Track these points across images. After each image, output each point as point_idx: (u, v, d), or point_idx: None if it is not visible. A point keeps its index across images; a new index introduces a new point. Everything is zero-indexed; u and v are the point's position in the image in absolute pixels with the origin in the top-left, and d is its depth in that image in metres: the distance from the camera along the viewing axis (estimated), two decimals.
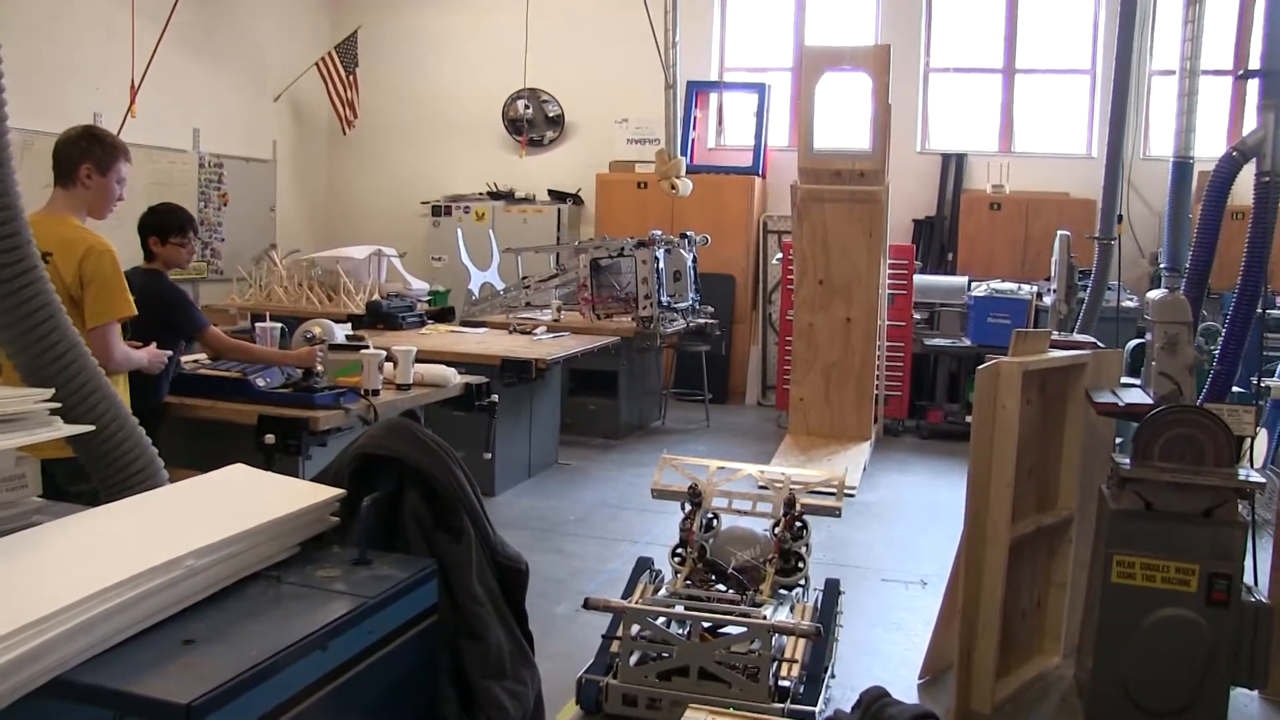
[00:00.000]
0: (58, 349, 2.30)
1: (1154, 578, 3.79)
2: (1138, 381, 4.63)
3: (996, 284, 9.67)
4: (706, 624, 4.01)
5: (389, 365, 5.14)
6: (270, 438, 4.45)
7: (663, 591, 4.37)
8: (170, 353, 4.39)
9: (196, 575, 1.71)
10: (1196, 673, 3.78)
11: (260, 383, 4.77)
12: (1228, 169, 5.00)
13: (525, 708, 2.15)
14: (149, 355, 4.08)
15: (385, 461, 2.16)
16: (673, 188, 9.38)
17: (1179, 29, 6.89)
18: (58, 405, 2.09)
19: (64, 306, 2.40)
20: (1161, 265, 6.78)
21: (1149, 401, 4.15)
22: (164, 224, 4.80)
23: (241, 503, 2.00)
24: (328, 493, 2.09)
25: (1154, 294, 4.41)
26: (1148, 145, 10.45)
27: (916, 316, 9.69)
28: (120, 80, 8.98)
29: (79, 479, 2.82)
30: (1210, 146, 8.30)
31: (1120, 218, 7.00)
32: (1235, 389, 5.12)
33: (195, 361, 5.11)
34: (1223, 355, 4.85)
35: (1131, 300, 8.82)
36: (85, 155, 3.81)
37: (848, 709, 2.80)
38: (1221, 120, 10.24)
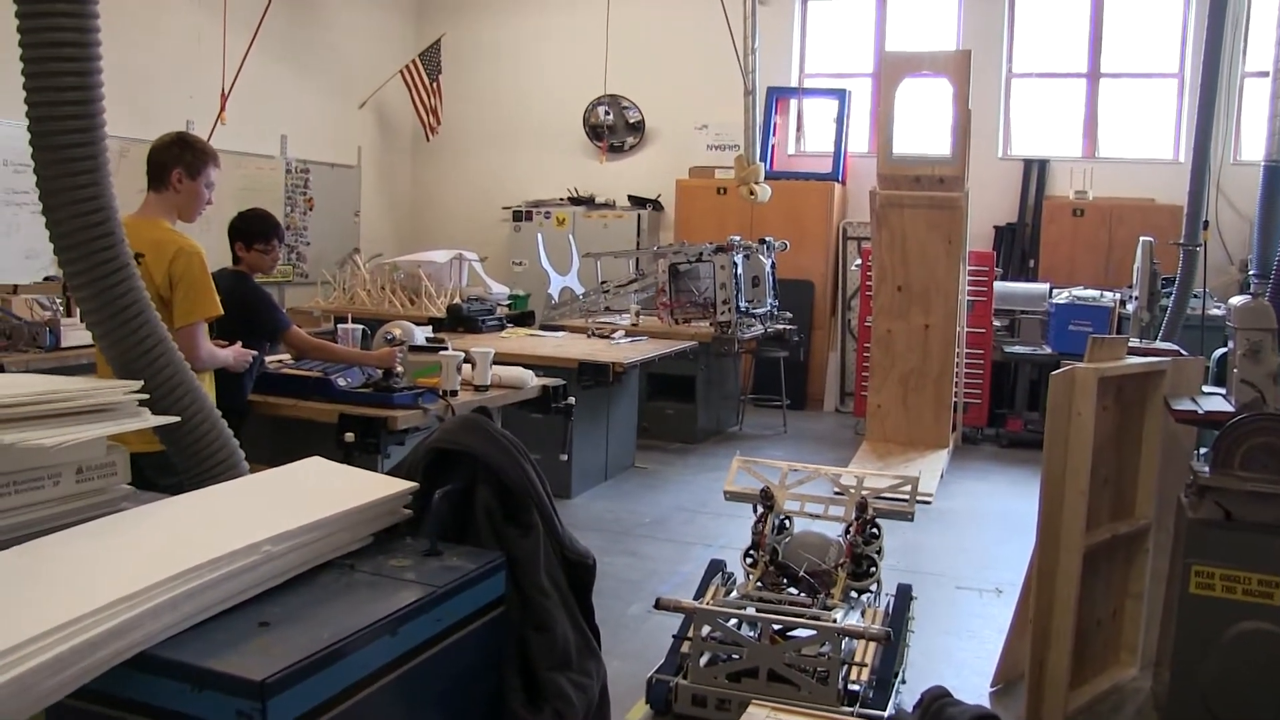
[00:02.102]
0: (146, 344, 2.40)
1: (1234, 589, 3.71)
2: (1221, 390, 4.54)
3: (1079, 291, 9.53)
4: (777, 626, 4.01)
5: (467, 367, 5.22)
6: (350, 436, 4.55)
7: (734, 594, 4.38)
8: (255, 352, 4.51)
9: (273, 561, 1.77)
10: None
11: (341, 382, 4.87)
12: None
13: (590, 699, 2.18)
14: (234, 354, 4.21)
15: (458, 456, 2.21)
16: (751, 194, 9.39)
17: (1273, 30, 6.76)
18: (146, 397, 2.18)
19: (154, 306, 2.50)
20: (1250, 272, 6.66)
21: (1230, 409, 4.07)
22: (250, 230, 4.96)
23: (318, 493, 2.06)
24: (401, 485, 2.14)
25: (1237, 300, 4.32)
26: (1239, 150, 10.21)
27: (997, 324, 9.59)
28: (211, 88, 9.24)
29: (166, 473, 2.92)
30: None
31: (1206, 223, 6.88)
32: None
33: (279, 361, 5.24)
34: None
35: (1218, 308, 8.64)
36: (177, 160, 3.95)
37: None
38: None
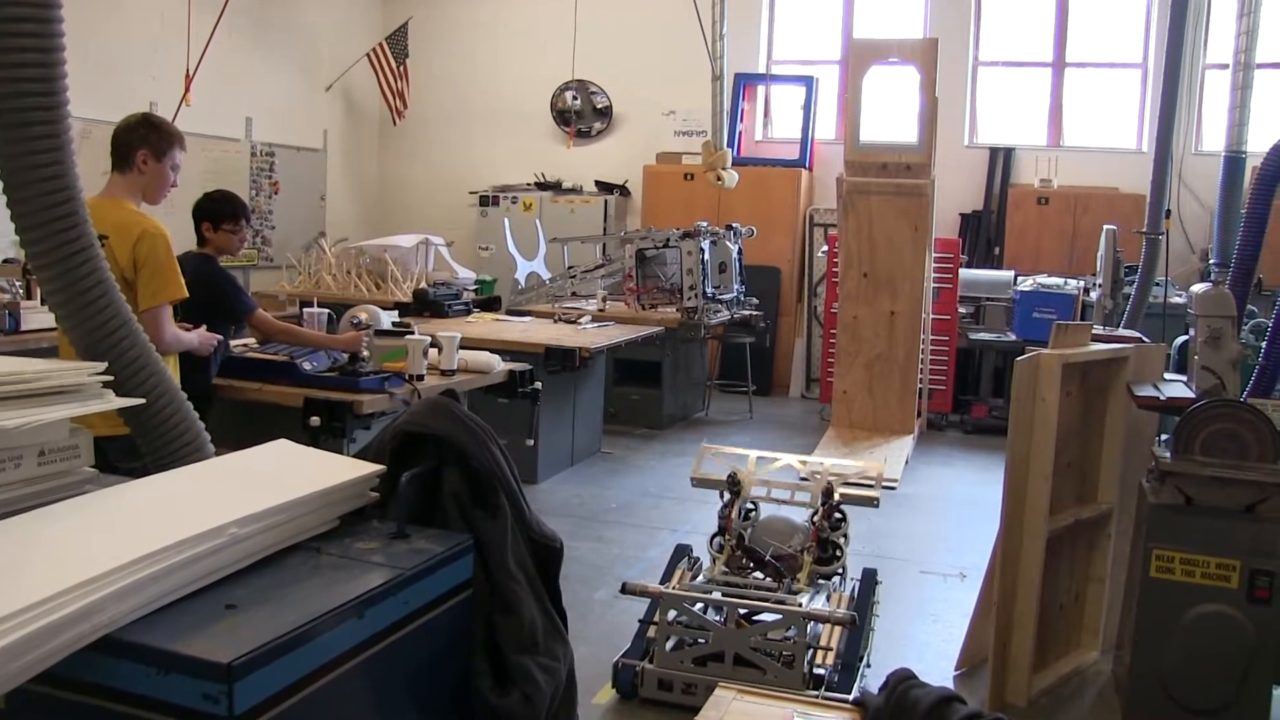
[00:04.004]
0: (110, 325, 2.37)
1: (1193, 573, 3.76)
2: (1182, 377, 4.59)
3: (1043, 279, 9.62)
4: (743, 610, 4.04)
5: (434, 351, 5.20)
6: (316, 420, 4.52)
7: (700, 578, 4.40)
8: (219, 336, 4.47)
9: (239, 543, 1.76)
10: (1237, 671, 3.74)
11: (307, 366, 4.84)
12: (1277, 162, 4.94)
13: (557, 682, 2.18)
14: (199, 337, 4.18)
15: (425, 439, 2.21)
16: (719, 179, 9.39)
17: (1234, 21, 6.81)
18: (110, 379, 2.16)
19: (118, 288, 2.47)
20: (1212, 261, 6.73)
21: (1191, 395, 4.12)
22: (218, 211, 4.92)
23: (284, 476, 2.05)
24: (368, 468, 2.13)
25: (1198, 287, 4.37)
26: (1200, 140, 10.32)
27: (962, 311, 9.65)
28: (176, 69, 9.14)
29: (131, 457, 2.90)
30: (1264, 141, 8.15)
31: (1168, 213, 6.94)
32: None
33: (244, 345, 5.20)
34: (1269, 350, 4.81)
35: (1180, 296, 8.73)
36: (142, 141, 3.91)
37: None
38: (1278, 114, 10.06)
